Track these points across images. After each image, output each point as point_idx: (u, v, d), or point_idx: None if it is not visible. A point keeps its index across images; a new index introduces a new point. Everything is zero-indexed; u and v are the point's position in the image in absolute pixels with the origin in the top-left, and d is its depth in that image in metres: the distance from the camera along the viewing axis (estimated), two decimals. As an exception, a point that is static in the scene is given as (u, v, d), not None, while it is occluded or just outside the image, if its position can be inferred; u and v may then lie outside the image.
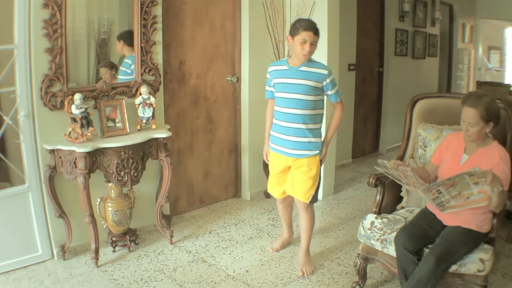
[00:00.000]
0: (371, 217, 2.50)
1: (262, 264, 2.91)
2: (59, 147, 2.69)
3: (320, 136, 2.72)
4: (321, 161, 2.73)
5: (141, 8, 3.05)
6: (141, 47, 3.12)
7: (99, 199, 2.95)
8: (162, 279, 2.71)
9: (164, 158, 3.06)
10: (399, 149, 2.91)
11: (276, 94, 2.70)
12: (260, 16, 3.84)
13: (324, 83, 2.60)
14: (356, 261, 2.54)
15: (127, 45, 3.14)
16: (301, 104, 2.59)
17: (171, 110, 3.52)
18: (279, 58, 3.87)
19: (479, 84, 6.50)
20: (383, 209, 2.59)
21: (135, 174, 2.87)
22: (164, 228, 3.18)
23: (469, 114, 2.17)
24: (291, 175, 2.76)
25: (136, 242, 3.12)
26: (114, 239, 3.02)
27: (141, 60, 3.14)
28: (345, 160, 5.24)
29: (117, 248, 3.04)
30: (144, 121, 3.05)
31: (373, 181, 2.56)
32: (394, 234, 2.31)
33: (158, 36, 3.24)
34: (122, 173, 2.79)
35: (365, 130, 5.68)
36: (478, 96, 2.18)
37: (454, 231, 2.20)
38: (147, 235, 3.31)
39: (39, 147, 2.75)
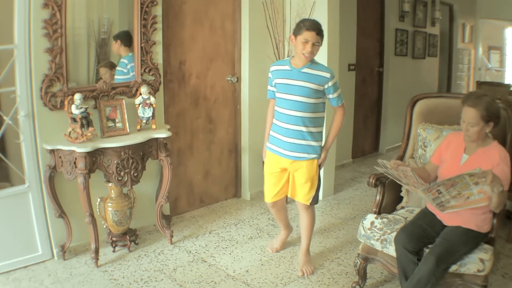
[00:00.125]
0: (371, 217, 2.50)
1: (262, 264, 2.91)
2: (59, 147, 2.69)
3: (321, 140, 2.69)
4: (319, 166, 2.70)
5: (141, 8, 3.05)
6: (141, 47, 3.12)
7: (99, 199, 2.95)
8: (162, 279, 2.71)
9: (164, 158, 3.06)
10: (399, 149, 2.91)
11: (277, 95, 2.67)
12: (260, 16, 3.84)
13: (326, 86, 2.56)
14: (356, 261, 2.54)
15: (124, 45, 3.14)
16: (301, 106, 2.57)
17: (171, 110, 3.52)
18: (279, 58, 3.86)
19: (479, 84, 6.50)
20: (383, 209, 2.59)
21: (135, 174, 2.87)
22: (164, 228, 3.18)
23: (469, 114, 2.17)
24: (291, 178, 2.74)
25: (136, 242, 3.12)
26: (114, 239, 3.02)
27: (141, 60, 3.14)
28: (345, 160, 5.24)
29: (117, 248, 3.04)
30: (144, 121, 3.05)
31: (373, 181, 2.56)
32: (394, 234, 2.31)
33: (158, 36, 3.24)
34: (122, 173, 2.79)
35: (365, 130, 5.68)
36: (478, 96, 2.18)
37: (454, 231, 2.20)
38: (147, 235, 3.31)
39: (39, 147, 2.75)
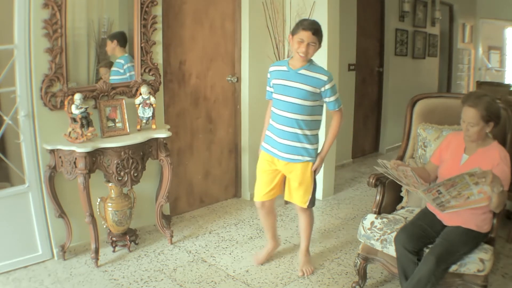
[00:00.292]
0: (371, 217, 2.50)
1: (262, 264, 2.91)
2: (59, 147, 2.69)
3: (316, 143, 2.63)
4: (314, 172, 2.63)
5: (141, 8, 3.05)
6: (141, 47, 3.12)
7: (99, 199, 2.95)
8: (162, 279, 2.71)
9: (164, 158, 3.06)
10: (399, 149, 2.91)
11: (274, 95, 2.63)
12: (260, 16, 3.84)
13: (323, 89, 2.50)
14: (356, 261, 2.54)
15: (120, 46, 3.13)
16: (297, 108, 2.52)
17: (171, 110, 3.52)
18: (279, 58, 3.86)
19: (479, 84, 6.50)
20: (383, 209, 2.59)
21: (135, 174, 2.87)
22: (164, 228, 3.18)
23: (469, 114, 2.17)
24: (287, 181, 2.70)
25: (136, 242, 3.12)
26: (114, 239, 3.02)
27: (141, 60, 3.14)
28: (345, 160, 5.24)
29: (117, 248, 3.04)
30: (144, 121, 3.05)
31: (373, 181, 2.55)
32: (394, 234, 2.31)
33: (158, 36, 3.24)
34: (122, 173, 2.79)
35: (365, 130, 5.68)
36: (478, 96, 2.18)
37: (454, 231, 2.20)
38: (147, 235, 3.31)
39: (39, 147, 2.75)
